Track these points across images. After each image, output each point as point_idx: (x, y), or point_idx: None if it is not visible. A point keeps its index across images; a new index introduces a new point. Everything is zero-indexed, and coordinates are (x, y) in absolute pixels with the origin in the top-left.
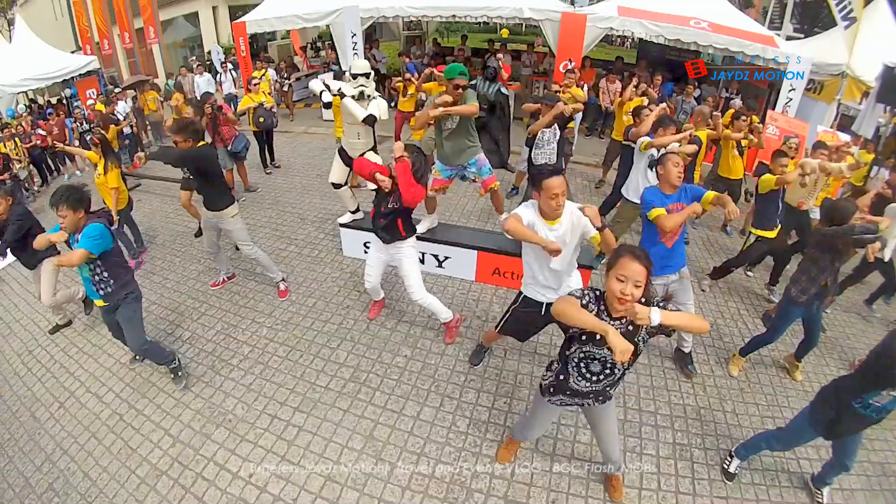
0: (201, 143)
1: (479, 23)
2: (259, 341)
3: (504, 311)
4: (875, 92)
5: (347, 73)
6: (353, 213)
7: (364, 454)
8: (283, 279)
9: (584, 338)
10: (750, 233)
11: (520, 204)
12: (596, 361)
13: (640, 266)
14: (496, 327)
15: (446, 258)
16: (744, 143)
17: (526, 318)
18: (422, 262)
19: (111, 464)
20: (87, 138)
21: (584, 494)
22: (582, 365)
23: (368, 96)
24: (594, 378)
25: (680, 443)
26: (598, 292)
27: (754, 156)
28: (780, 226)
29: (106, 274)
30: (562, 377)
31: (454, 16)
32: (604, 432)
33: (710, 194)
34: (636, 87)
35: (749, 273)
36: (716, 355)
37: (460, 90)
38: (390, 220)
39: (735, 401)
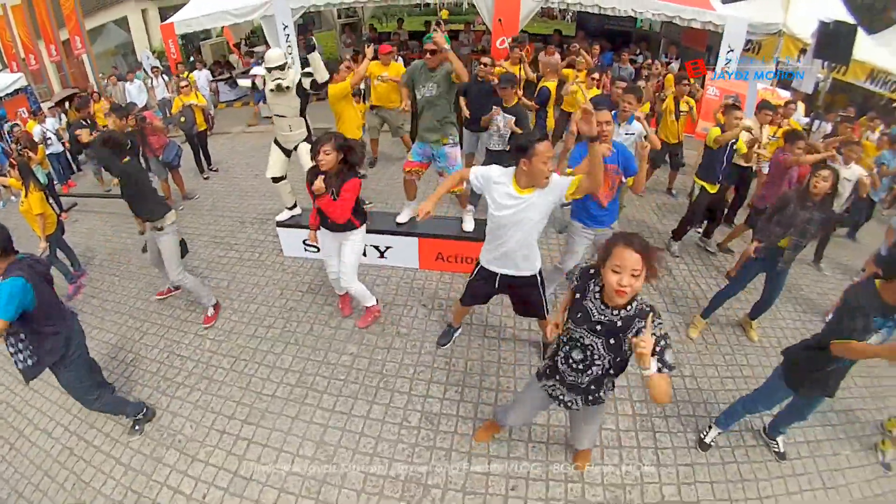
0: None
1: (417, 5)
2: (203, 355)
3: (467, 285)
4: (812, 48)
5: (263, 67)
6: (290, 209)
7: (316, 460)
8: (213, 304)
9: (580, 318)
10: (694, 184)
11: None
12: (577, 349)
13: (634, 253)
14: (460, 300)
15: (388, 248)
16: (682, 107)
17: (481, 290)
18: (364, 255)
19: (66, 501)
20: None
21: (544, 478)
22: (567, 348)
23: (288, 87)
24: (576, 367)
25: (640, 413)
26: (592, 271)
27: (690, 120)
28: (721, 182)
29: (27, 341)
30: (555, 358)
31: None
32: (583, 428)
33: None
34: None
35: (698, 230)
36: (671, 321)
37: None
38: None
39: (693, 364)
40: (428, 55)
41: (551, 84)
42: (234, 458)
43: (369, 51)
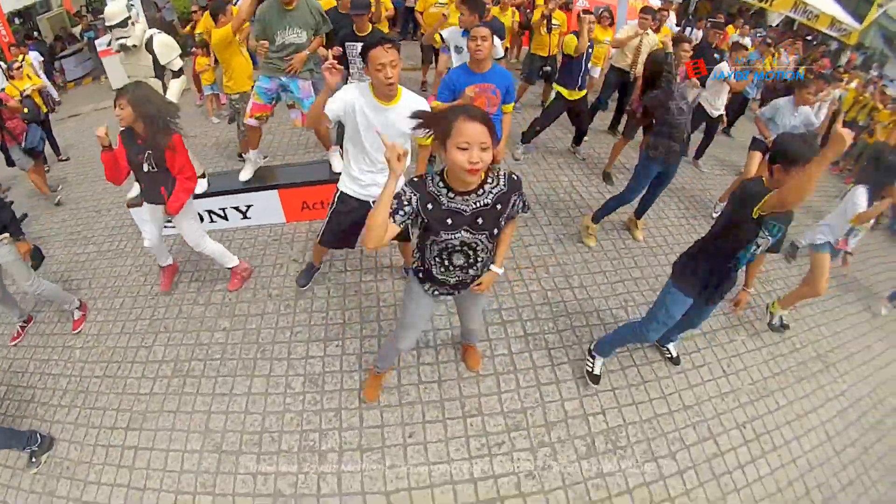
0: None
1: None
2: (74, 367)
3: (325, 219)
4: None
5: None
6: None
7: (205, 452)
8: (78, 306)
9: (435, 228)
10: (552, 89)
11: None
12: (458, 254)
13: (480, 126)
14: (318, 238)
15: (249, 206)
16: (554, 21)
17: (346, 221)
18: (225, 218)
19: None
20: None
21: (440, 418)
22: (444, 256)
23: (134, 46)
24: (459, 269)
25: (531, 333)
26: (424, 177)
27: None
28: (583, 90)
29: None
30: (426, 267)
31: None
32: (471, 309)
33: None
34: None
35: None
36: (554, 234)
37: None
38: (151, 183)
39: (580, 274)
40: None
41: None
42: (125, 470)
43: None
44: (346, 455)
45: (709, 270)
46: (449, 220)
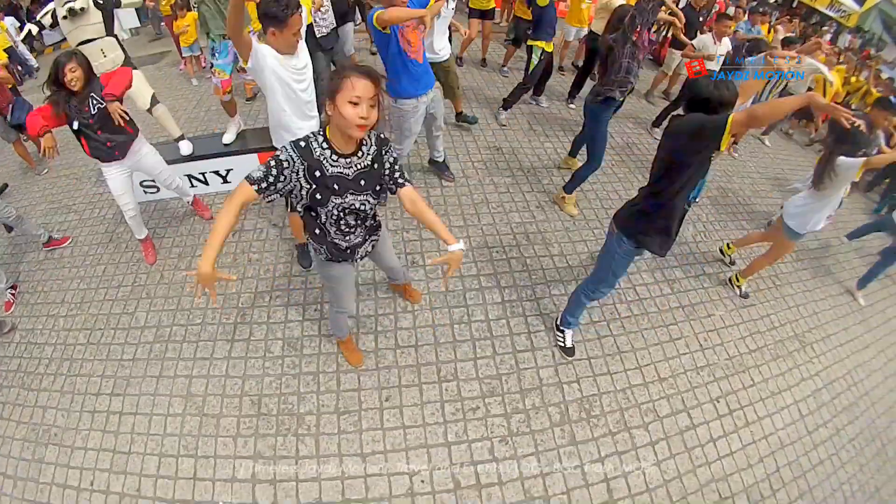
0: None
1: None
2: (59, 335)
3: None
4: None
5: None
6: None
7: (188, 415)
8: (42, 232)
9: (323, 198)
10: (530, 47)
11: None
12: (350, 215)
13: (369, 82)
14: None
15: (229, 171)
16: None
17: None
18: (206, 183)
19: None
20: None
21: (416, 382)
22: (341, 223)
23: (83, 9)
24: (355, 229)
25: (509, 300)
26: (308, 141)
27: None
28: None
29: None
30: (325, 246)
31: None
32: (385, 257)
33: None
34: None
35: (571, 105)
36: (535, 200)
37: None
38: (104, 119)
39: (561, 242)
40: None
41: None
42: (110, 435)
43: None
44: (324, 418)
45: (671, 220)
46: (335, 186)
